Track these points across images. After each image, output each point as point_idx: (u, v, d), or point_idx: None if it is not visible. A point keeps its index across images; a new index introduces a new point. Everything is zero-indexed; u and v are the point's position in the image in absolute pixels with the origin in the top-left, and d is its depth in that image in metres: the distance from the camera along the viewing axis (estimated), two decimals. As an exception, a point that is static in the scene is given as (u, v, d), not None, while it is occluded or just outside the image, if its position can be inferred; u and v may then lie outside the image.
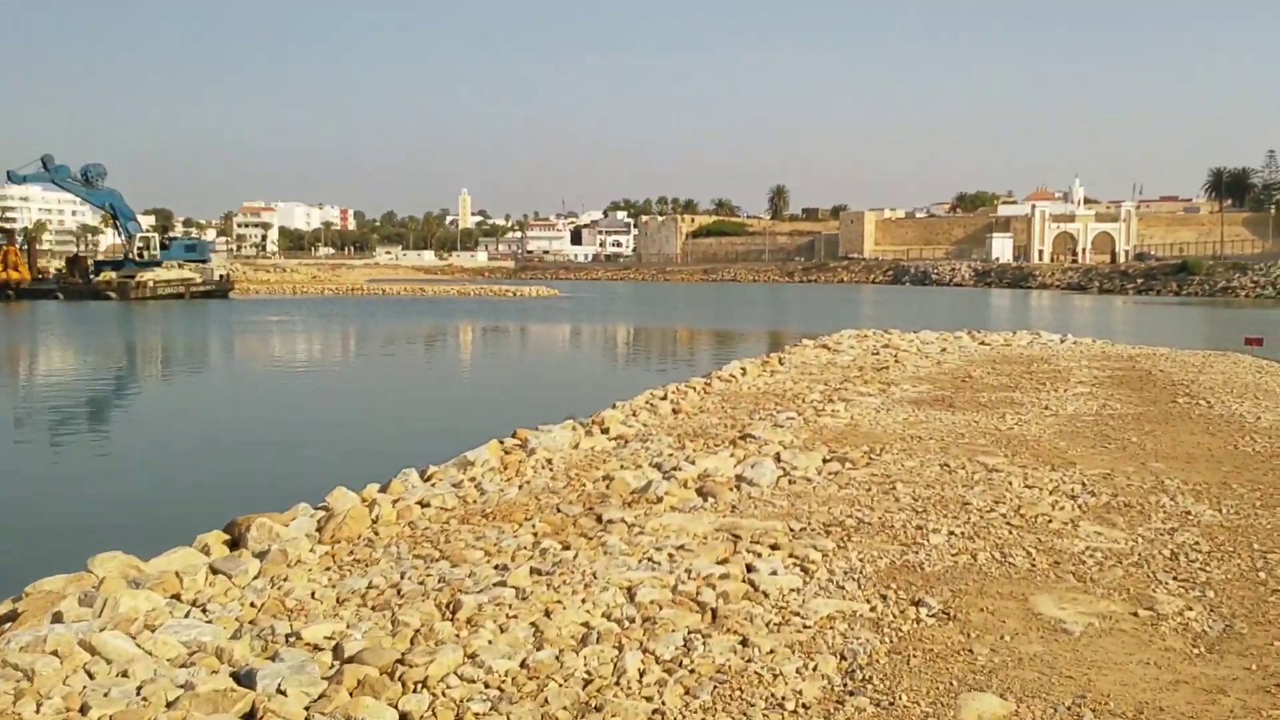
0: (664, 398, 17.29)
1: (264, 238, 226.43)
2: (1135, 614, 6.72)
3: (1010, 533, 8.64)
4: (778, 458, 11.59)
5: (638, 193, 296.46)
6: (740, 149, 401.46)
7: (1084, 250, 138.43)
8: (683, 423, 14.86)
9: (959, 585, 7.26)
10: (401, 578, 7.69)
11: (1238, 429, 13.69)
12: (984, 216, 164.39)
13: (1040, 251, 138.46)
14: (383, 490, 10.67)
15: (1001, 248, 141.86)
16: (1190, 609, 6.78)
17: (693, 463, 11.32)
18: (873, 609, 6.84)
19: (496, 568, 7.84)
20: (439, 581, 7.55)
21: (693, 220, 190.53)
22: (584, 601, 6.96)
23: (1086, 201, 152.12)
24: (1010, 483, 10.46)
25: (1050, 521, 8.97)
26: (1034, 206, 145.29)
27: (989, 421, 14.56)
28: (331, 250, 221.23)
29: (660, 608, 6.82)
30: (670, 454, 12.12)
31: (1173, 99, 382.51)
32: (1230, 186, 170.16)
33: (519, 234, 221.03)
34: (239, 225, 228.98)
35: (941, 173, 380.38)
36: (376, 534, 9.07)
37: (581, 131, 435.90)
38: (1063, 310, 67.66)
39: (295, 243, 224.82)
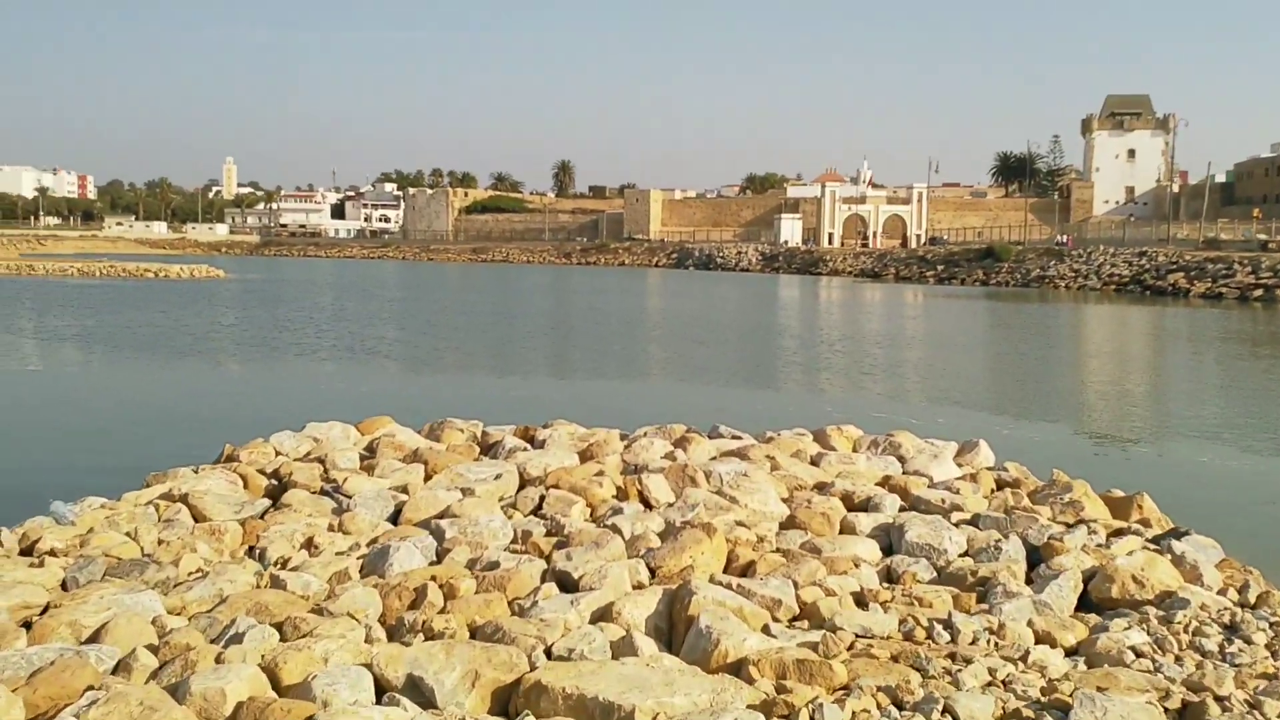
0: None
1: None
2: None
3: None
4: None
5: (415, 165, 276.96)
6: (526, 123, 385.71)
7: (875, 234, 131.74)
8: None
9: None
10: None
11: None
12: (774, 198, 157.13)
13: (831, 235, 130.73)
14: None
15: (791, 230, 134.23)
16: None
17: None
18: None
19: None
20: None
21: (466, 195, 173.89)
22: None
23: (875, 185, 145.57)
24: None
25: None
26: (824, 187, 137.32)
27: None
28: (57, 220, 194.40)
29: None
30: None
31: (959, 85, 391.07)
32: (1016, 171, 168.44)
33: (273, 206, 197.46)
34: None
35: (732, 154, 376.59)
36: None
37: (360, 101, 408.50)
38: (862, 308, 55.27)
39: (8, 210, 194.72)
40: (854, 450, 9.43)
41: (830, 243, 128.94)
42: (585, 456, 9.15)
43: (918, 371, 24.96)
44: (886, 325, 41.72)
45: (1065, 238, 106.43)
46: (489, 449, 9.77)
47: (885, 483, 8.35)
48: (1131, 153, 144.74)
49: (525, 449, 9.49)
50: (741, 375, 23.22)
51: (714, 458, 8.56)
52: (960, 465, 9.18)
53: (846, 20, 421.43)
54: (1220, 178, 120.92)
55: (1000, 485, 8.42)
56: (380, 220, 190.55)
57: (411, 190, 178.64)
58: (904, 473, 8.54)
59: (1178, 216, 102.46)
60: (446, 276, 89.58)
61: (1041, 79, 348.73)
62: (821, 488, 8.21)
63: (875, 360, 27.33)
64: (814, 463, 8.78)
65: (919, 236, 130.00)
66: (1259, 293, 61.84)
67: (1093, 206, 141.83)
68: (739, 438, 9.94)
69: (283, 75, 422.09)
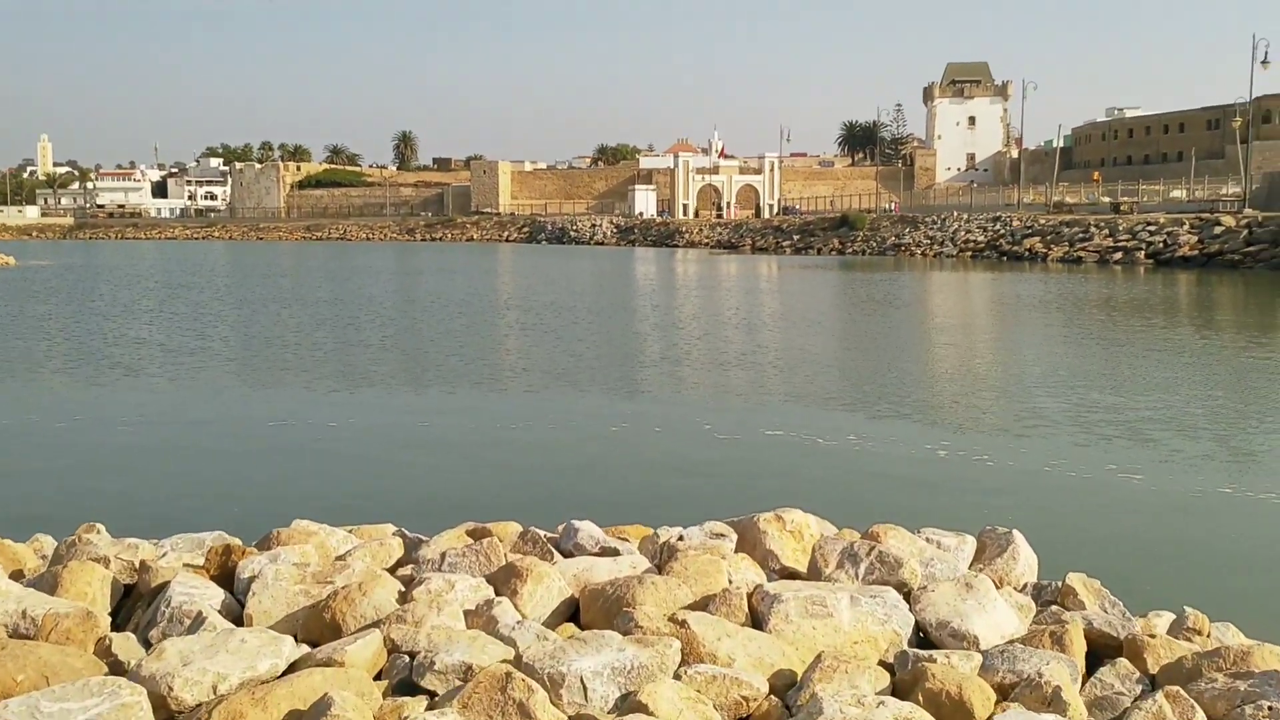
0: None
1: None
2: None
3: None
4: None
5: (244, 138, 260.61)
6: (363, 93, 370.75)
7: (729, 204, 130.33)
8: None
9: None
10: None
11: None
12: (626, 169, 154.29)
13: (685, 206, 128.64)
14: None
15: (645, 201, 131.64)
16: None
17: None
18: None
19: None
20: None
21: (299, 169, 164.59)
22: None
23: (726, 156, 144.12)
24: None
25: None
26: (677, 157, 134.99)
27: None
28: None
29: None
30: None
31: (805, 54, 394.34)
32: (862, 140, 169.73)
33: (89, 185, 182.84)
34: None
35: (582, 124, 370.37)
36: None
37: (183, 71, 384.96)
38: (725, 284, 52.02)
39: None
40: (814, 562, 5.58)
41: (685, 214, 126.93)
42: (316, 627, 4.81)
43: (796, 362, 21.53)
44: (753, 303, 38.43)
45: (893, 204, 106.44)
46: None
47: (905, 669, 4.32)
48: (972, 120, 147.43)
49: (206, 615, 4.82)
50: (603, 379, 19.23)
51: (567, 640, 4.29)
52: (992, 579, 5.54)
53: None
54: (1058, 143, 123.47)
55: (1098, 645, 4.71)
56: (206, 198, 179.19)
57: (239, 165, 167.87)
58: (922, 627, 4.81)
59: (1018, 181, 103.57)
60: (268, 257, 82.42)
61: (886, 48, 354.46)
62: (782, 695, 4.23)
63: (753, 351, 23.76)
64: (755, 619, 4.89)
65: (772, 206, 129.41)
66: (1118, 255, 61.43)
67: (936, 174, 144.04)
68: (611, 550, 5.94)
69: (101, 45, 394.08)
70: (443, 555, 5.69)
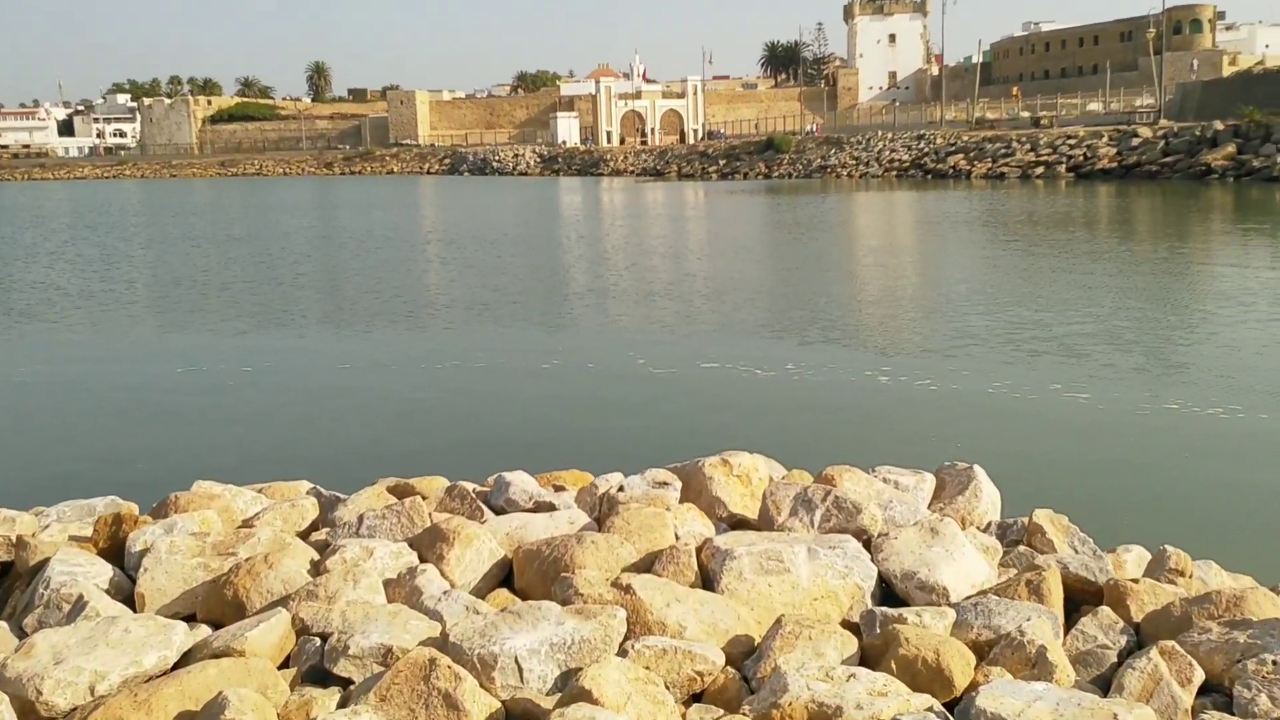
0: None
1: None
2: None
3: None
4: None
5: (151, 73, 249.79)
6: (273, 23, 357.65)
7: (653, 130, 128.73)
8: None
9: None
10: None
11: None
12: (547, 96, 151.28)
13: (609, 133, 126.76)
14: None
15: (568, 129, 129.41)
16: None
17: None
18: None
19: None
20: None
21: (210, 103, 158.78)
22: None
23: (649, 81, 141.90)
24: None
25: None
26: (598, 84, 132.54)
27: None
28: None
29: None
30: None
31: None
32: (784, 61, 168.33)
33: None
34: None
35: (501, 51, 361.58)
36: None
37: (86, 4, 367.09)
38: (651, 212, 51.31)
39: None
40: (765, 510, 5.14)
41: (609, 141, 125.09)
42: (218, 606, 4.25)
43: (727, 290, 21.12)
44: (681, 231, 37.84)
45: (814, 126, 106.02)
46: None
47: (874, 632, 3.89)
48: (893, 37, 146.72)
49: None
50: (529, 315, 18.59)
51: (500, 613, 3.73)
52: (955, 520, 5.19)
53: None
54: (977, 59, 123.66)
55: (1075, 591, 4.38)
56: (115, 136, 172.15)
57: (148, 101, 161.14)
58: (885, 579, 4.40)
59: (939, 99, 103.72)
60: (181, 195, 79.39)
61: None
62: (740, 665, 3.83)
63: (682, 280, 23.30)
64: (706, 577, 4.43)
65: (696, 131, 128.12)
66: (1040, 170, 61.86)
67: (858, 93, 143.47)
68: (547, 505, 5.42)
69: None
70: (360, 518, 5.15)
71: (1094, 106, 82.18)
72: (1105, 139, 61.95)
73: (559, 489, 6.59)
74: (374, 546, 4.70)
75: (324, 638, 4.08)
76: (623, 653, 3.73)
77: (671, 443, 8.74)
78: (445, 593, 4.35)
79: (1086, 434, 9.54)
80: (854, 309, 18.31)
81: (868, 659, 3.81)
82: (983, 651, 3.92)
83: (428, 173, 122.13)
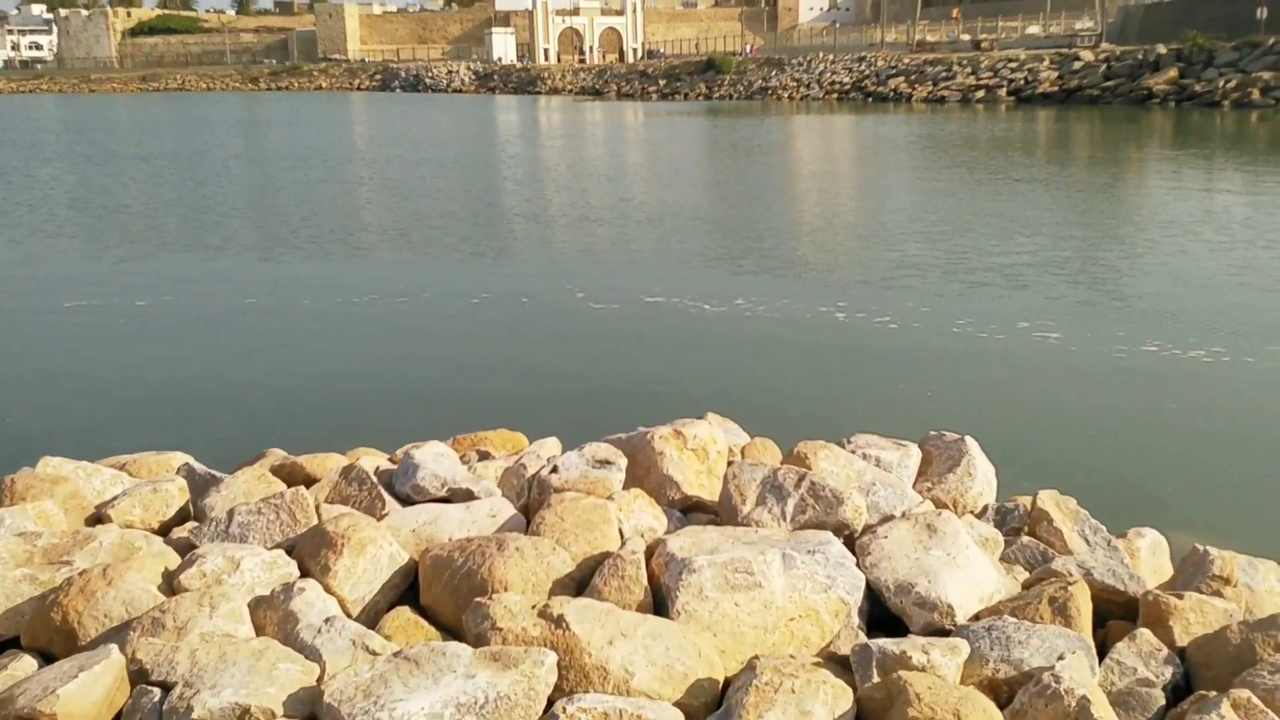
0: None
1: None
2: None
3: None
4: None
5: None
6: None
7: (592, 48, 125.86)
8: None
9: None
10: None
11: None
12: (482, 11, 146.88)
13: (546, 51, 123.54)
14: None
15: (504, 45, 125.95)
16: None
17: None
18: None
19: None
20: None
21: (130, 15, 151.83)
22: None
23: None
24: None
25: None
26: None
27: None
28: None
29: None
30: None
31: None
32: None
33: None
34: None
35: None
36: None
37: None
38: (590, 133, 49.75)
39: None
40: (727, 495, 4.27)
41: (547, 59, 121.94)
42: (44, 633, 3.32)
43: (664, 217, 20.13)
44: (619, 153, 36.51)
45: (750, 47, 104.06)
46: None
47: (869, 678, 3.11)
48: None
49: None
50: (456, 244, 17.32)
51: (393, 661, 2.96)
52: (947, 503, 4.41)
53: None
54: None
55: (1099, 602, 3.61)
56: (31, 49, 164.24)
57: (64, 12, 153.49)
58: (875, 588, 3.55)
59: (880, 20, 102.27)
60: (98, 110, 75.59)
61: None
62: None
63: (619, 204, 22.24)
64: (656, 592, 3.56)
65: (636, 50, 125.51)
66: (981, 94, 61.16)
67: (799, 14, 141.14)
68: (463, 493, 4.48)
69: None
70: (230, 514, 4.20)
71: (1034, 30, 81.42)
72: (1046, 63, 61.32)
73: (484, 455, 5.70)
74: (242, 556, 3.77)
75: (166, 688, 3.17)
76: (552, 717, 2.87)
77: (614, 390, 7.82)
78: (328, 621, 3.44)
79: (1068, 383, 8.78)
80: (801, 238, 17.46)
81: (865, 715, 3.00)
82: (1000, 692, 3.14)
83: (358, 89, 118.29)
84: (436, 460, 4.56)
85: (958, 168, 27.68)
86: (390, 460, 5.26)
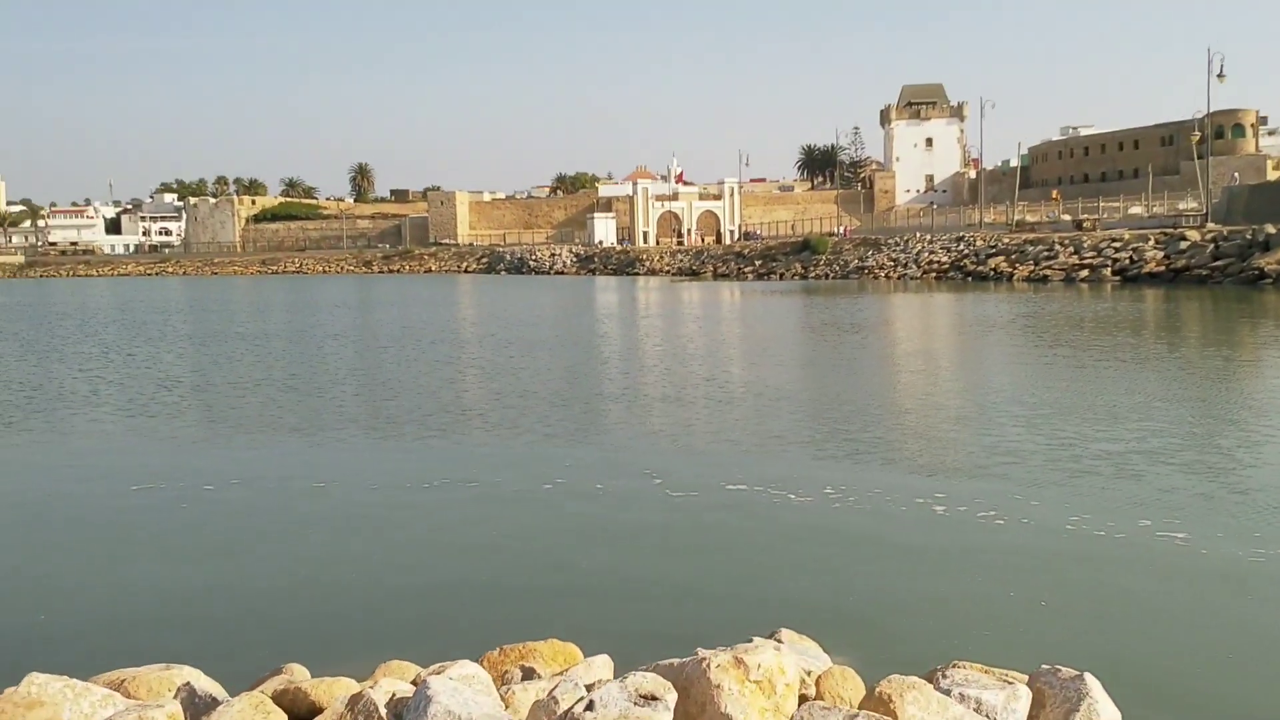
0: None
1: None
2: None
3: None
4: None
5: (198, 173, 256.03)
6: (318, 125, 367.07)
7: (690, 230, 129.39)
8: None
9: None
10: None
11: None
12: (585, 198, 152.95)
13: (645, 234, 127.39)
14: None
15: (605, 229, 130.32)
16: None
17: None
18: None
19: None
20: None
21: (254, 203, 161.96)
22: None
23: (685, 182, 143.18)
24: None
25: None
26: (635, 184, 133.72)
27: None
28: None
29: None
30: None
31: (760, 78, 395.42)
32: (821, 164, 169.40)
33: (40, 224, 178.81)
34: None
35: (540, 154, 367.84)
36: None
37: (137, 107, 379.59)
38: (688, 313, 50.16)
39: None
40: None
41: (645, 241, 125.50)
42: None
43: (754, 395, 19.58)
44: (714, 334, 36.44)
45: (844, 228, 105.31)
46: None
47: None
48: (929, 141, 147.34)
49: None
50: (535, 420, 16.99)
51: None
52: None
53: (644, 12, 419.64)
54: (1017, 161, 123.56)
55: None
56: (161, 234, 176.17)
57: (193, 200, 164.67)
58: None
59: (977, 201, 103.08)
60: (215, 291, 79.59)
61: (842, 71, 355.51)
62: None
63: (711, 381, 21.83)
64: None
65: (733, 232, 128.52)
66: (1085, 273, 60.24)
67: (895, 196, 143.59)
68: None
69: (53, 83, 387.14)
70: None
71: (1136, 210, 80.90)
72: (1151, 242, 60.39)
73: (528, 674, 5.06)
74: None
75: None
76: None
77: (684, 592, 7.10)
78: None
79: (1206, 593, 7.73)
80: (894, 420, 16.69)
81: None
82: None
83: (465, 271, 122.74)
84: (454, 693, 3.94)
85: (1061, 346, 26.76)
86: (414, 682, 4.65)
